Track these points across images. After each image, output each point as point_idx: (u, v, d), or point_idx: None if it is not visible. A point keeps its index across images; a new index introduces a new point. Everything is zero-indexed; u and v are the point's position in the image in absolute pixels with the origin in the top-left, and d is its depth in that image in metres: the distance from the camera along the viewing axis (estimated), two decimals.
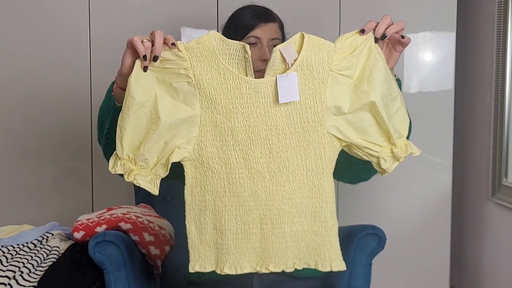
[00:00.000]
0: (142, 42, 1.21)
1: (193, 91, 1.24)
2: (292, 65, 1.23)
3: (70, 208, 2.37)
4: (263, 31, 1.54)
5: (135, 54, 1.25)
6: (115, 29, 2.37)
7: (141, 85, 1.23)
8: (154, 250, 1.79)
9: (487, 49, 2.55)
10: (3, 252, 1.91)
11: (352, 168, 1.52)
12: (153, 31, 1.23)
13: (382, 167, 1.29)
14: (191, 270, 1.31)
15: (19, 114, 2.37)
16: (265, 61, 1.51)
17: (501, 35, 2.40)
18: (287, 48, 1.23)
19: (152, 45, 1.21)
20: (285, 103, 1.23)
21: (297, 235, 1.27)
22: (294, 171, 1.26)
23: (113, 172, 1.26)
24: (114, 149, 1.29)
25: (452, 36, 2.53)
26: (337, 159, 1.50)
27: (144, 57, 1.21)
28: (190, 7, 2.41)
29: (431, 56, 2.56)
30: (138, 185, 1.25)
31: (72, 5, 2.35)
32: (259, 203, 1.26)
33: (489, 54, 2.51)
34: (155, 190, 1.27)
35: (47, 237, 2.07)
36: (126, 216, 1.85)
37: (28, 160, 2.37)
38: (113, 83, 1.37)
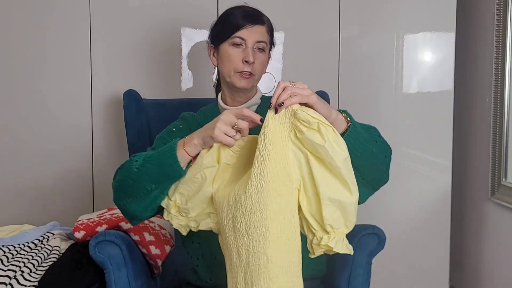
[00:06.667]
0: (228, 132, 1.27)
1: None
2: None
3: (71, 208, 2.37)
4: (249, 33, 1.52)
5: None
6: (115, 29, 2.38)
7: (210, 156, 1.31)
8: (154, 250, 1.79)
9: (486, 49, 2.56)
10: (4, 252, 1.91)
11: None
12: (235, 124, 1.26)
13: (312, 244, 1.28)
14: None
15: (20, 114, 2.37)
16: (247, 62, 1.51)
17: (501, 35, 2.40)
18: None
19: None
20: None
21: None
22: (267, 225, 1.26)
23: (164, 205, 1.38)
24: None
25: (451, 37, 2.53)
26: None
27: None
28: (190, 7, 2.41)
29: (431, 56, 2.56)
30: (171, 224, 1.39)
31: (73, 5, 2.35)
32: (242, 262, 1.28)
33: (489, 54, 2.51)
34: (183, 232, 1.41)
35: (48, 236, 2.07)
36: None
37: (29, 160, 2.38)
38: (158, 153, 1.36)
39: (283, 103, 1.20)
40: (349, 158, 1.22)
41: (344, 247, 1.26)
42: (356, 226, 1.76)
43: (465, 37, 2.70)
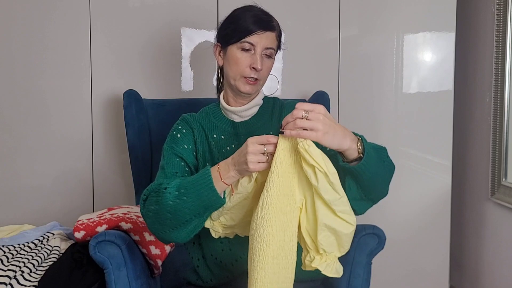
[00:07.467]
0: (259, 159, 1.29)
1: None
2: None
3: (71, 208, 2.37)
4: (260, 39, 1.51)
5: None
6: (115, 30, 2.38)
7: (252, 183, 1.35)
8: (154, 250, 1.79)
9: (486, 49, 2.56)
10: (4, 252, 1.91)
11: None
12: (264, 152, 1.28)
13: (305, 260, 1.32)
14: None
15: (20, 114, 2.37)
16: (254, 69, 1.50)
17: (501, 35, 2.40)
18: None
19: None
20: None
21: None
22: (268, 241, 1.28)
23: (209, 226, 1.44)
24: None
25: (451, 37, 2.54)
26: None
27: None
28: (190, 7, 2.41)
29: (431, 56, 2.56)
30: (213, 233, 1.46)
31: (73, 5, 2.35)
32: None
33: (489, 54, 2.51)
34: (231, 236, 1.50)
35: (48, 236, 2.07)
36: (127, 216, 1.85)
37: (29, 160, 2.38)
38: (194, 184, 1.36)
39: (283, 132, 1.22)
40: (345, 197, 1.26)
41: (333, 271, 1.30)
42: (356, 226, 1.76)
43: (465, 37, 2.70)
